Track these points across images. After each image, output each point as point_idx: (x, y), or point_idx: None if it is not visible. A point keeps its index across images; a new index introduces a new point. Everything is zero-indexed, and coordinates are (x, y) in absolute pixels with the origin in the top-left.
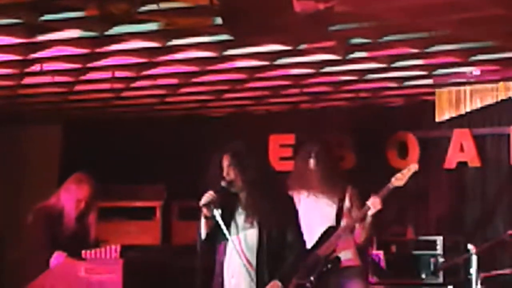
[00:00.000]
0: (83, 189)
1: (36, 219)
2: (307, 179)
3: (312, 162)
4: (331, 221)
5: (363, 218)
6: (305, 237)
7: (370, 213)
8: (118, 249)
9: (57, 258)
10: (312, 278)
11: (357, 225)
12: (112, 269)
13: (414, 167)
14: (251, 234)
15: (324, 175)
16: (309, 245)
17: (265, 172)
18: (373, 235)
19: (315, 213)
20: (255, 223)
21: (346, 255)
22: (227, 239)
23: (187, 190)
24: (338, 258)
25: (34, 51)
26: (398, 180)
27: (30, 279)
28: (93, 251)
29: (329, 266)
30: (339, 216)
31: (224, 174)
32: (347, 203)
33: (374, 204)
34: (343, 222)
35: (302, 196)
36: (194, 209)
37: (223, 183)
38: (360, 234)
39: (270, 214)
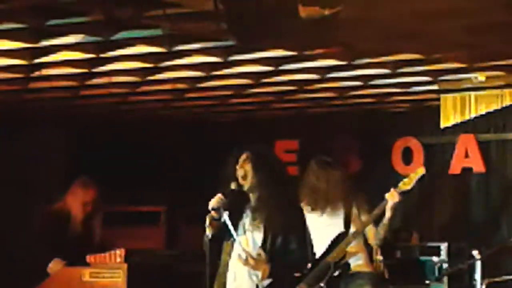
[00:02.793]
0: (89, 192)
1: (43, 222)
2: (312, 195)
3: (316, 178)
4: (340, 229)
5: (379, 216)
6: (316, 249)
7: (389, 205)
8: (123, 253)
9: (55, 264)
10: (322, 285)
11: (369, 227)
12: (116, 273)
13: (421, 170)
14: (256, 236)
15: (329, 193)
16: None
17: (280, 178)
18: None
19: (321, 228)
20: (261, 226)
21: (357, 261)
22: (233, 240)
23: (192, 195)
24: (348, 264)
25: (39, 56)
26: (406, 184)
27: (34, 283)
28: (97, 256)
29: (338, 271)
30: (347, 222)
31: (238, 167)
32: (354, 210)
33: (392, 196)
34: (352, 228)
35: (307, 209)
36: (199, 214)
37: (232, 186)
38: (374, 234)
39: (277, 219)
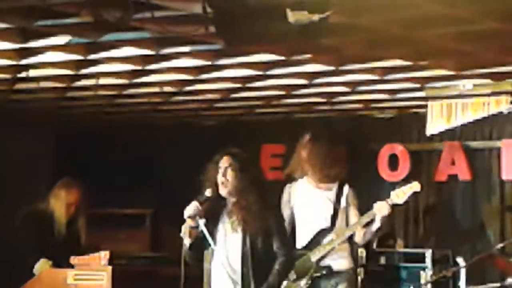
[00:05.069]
0: (72, 194)
1: (25, 223)
2: (309, 164)
3: (312, 148)
4: (326, 220)
5: (365, 224)
6: (298, 229)
7: (377, 218)
8: (107, 256)
9: (42, 265)
10: (302, 284)
11: (358, 229)
12: (100, 276)
13: (416, 186)
14: (235, 241)
15: (324, 161)
16: (300, 241)
17: (258, 181)
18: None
19: (312, 205)
20: (239, 230)
21: (340, 264)
22: (212, 248)
23: (178, 198)
24: (330, 268)
25: (27, 57)
26: (399, 197)
27: (17, 285)
28: (81, 258)
29: (322, 273)
30: (334, 217)
31: (221, 174)
32: (343, 202)
33: (380, 208)
34: (338, 224)
35: (301, 181)
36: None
37: (207, 193)
38: (362, 237)
39: (256, 223)
